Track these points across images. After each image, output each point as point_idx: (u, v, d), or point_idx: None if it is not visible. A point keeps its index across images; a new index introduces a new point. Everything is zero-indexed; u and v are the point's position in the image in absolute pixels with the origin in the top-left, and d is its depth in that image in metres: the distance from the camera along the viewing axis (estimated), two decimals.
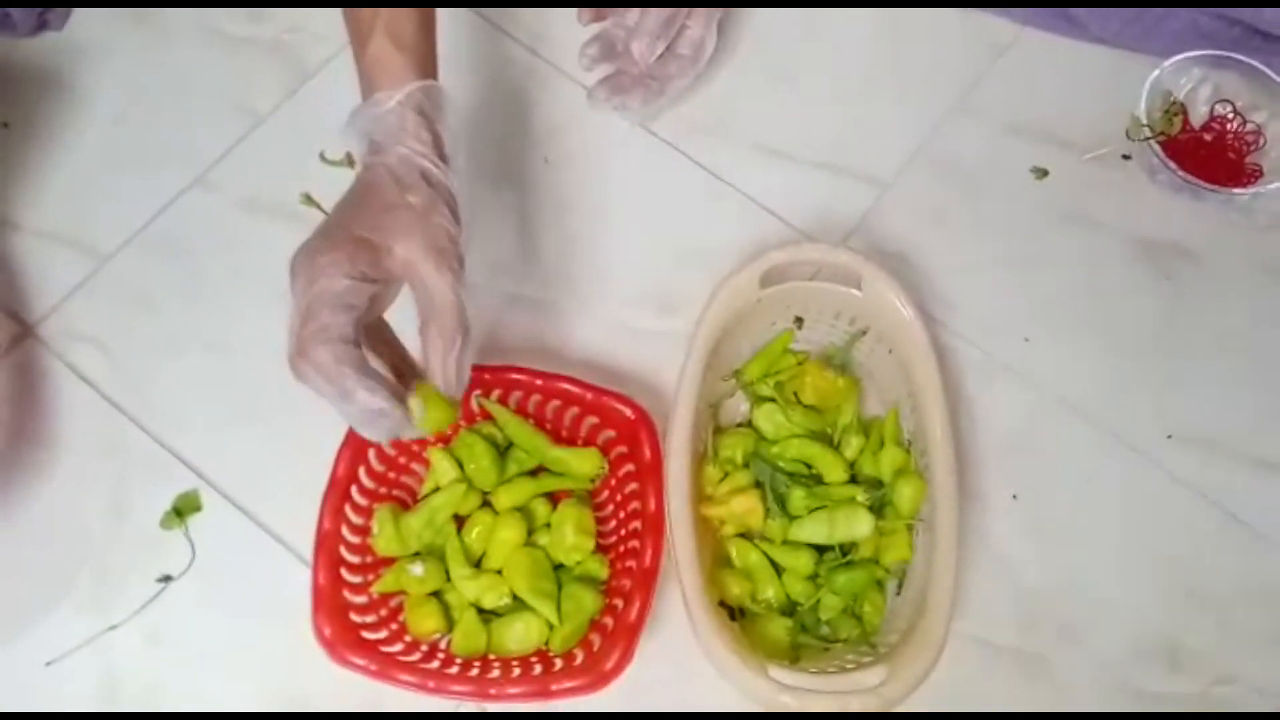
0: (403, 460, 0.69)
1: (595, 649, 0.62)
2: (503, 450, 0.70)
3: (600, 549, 0.67)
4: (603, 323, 0.76)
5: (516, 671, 0.63)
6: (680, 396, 0.66)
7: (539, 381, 0.67)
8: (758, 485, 0.67)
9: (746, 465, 0.68)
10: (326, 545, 0.64)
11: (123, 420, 0.72)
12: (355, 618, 0.63)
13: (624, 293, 0.77)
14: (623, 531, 0.67)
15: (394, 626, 0.65)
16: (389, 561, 0.67)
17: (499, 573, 0.67)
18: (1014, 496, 0.71)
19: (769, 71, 0.84)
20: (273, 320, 0.72)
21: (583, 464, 0.68)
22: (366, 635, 0.63)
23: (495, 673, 0.62)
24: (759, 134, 0.82)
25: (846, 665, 0.61)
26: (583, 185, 0.80)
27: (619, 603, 0.62)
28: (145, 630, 0.68)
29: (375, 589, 0.65)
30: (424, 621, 0.65)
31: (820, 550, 0.67)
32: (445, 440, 0.70)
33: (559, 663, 0.63)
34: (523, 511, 0.68)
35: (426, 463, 0.70)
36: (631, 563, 0.63)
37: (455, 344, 0.54)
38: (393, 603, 0.66)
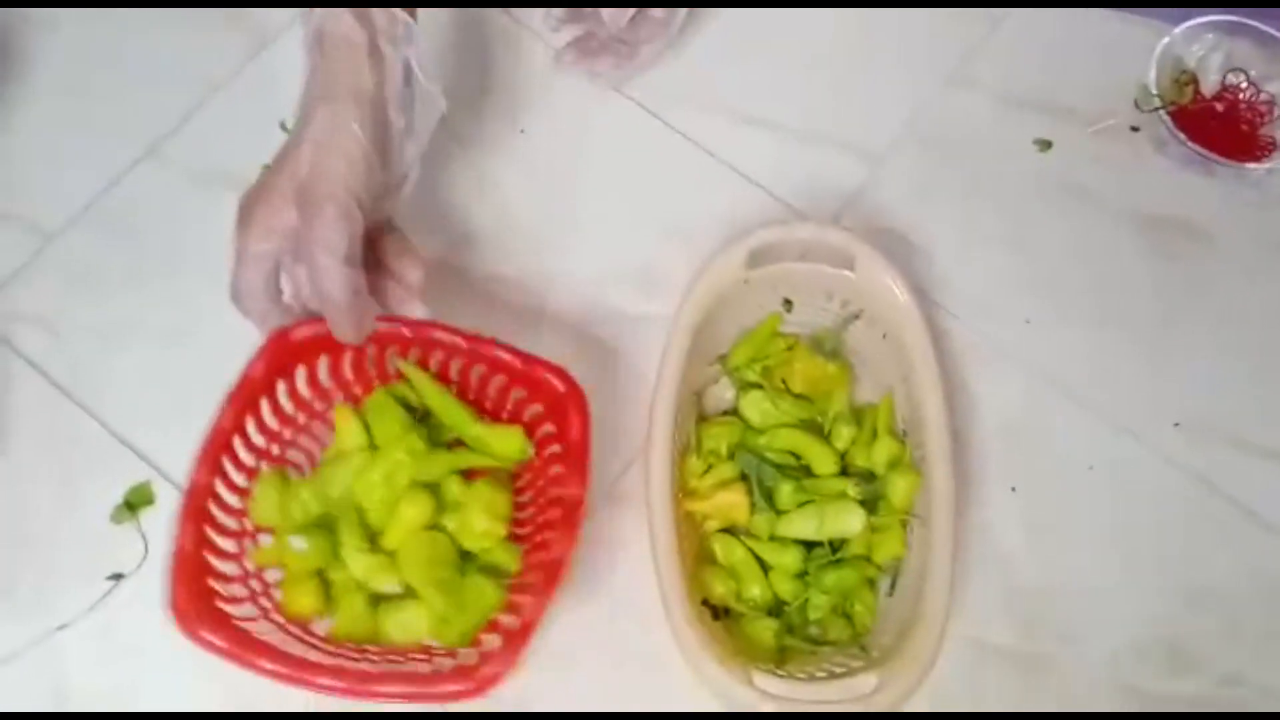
0: (302, 419, 0.64)
1: (485, 649, 0.56)
2: (419, 417, 0.64)
3: (514, 538, 0.62)
4: (578, 299, 0.72)
5: (393, 665, 0.57)
6: (661, 383, 0.62)
7: (464, 343, 0.61)
8: (743, 478, 0.64)
9: (732, 457, 0.65)
10: (196, 503, 0.57)
11: (70, 407, 0.68)
12: (218, 588, 0.57)
13: (601, 269, 0.72)
14: (540, 519, 0.61)
15: (265, 604, 0.60)
16: (269, 532, 0.61)
17: (393, 554, 0.61)
18: (1012, 489, 0.68)
19: (750, 36, 0.80)
20: (227, 302, 0.68)
21: (504, 445, 0.62)
22: (227, 609, 0.57)
23: (369, 664, 0.57)
24: (741, 102, 0.78)
25: (836, 670, 0.58)
26: (558, 154, 0.76)
27: (524, 600, 0.57)
28: (96, 631, 0.64)
29: (251, 561, 0.60)
30: (299, 599, 0.60)
31: (809, 546, 0.63)
32: (355, 400, 0.64)
33: (445, 661, 0.57)
34: (431, 489, 0.61)
35: (330, 424, 0.64)
36: (544, 555, 0.58)
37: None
38: (269, 576, 0.61)
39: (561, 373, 0.60)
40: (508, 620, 0.57)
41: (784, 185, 0.75)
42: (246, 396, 0.60)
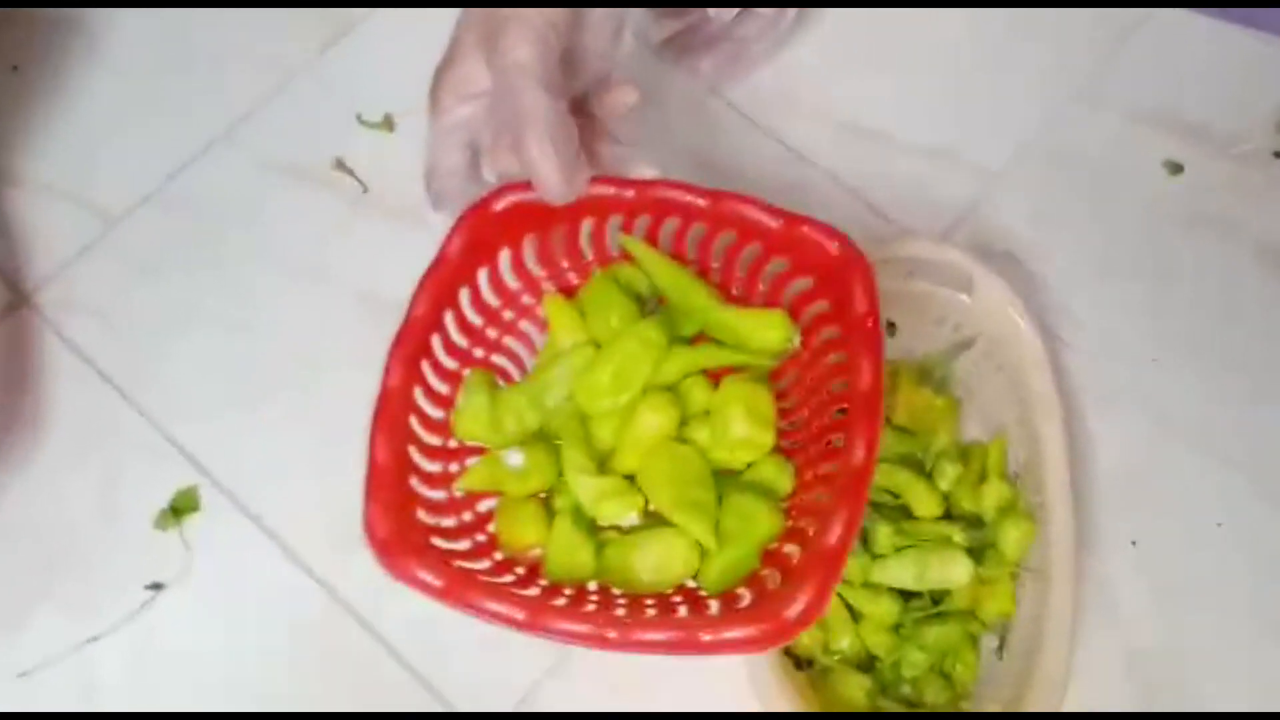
0: (508, 315, 0.55)
1: (771, 587, 0.47)
2: (648, 305, 0.54)
3: (781, 451, 0.52)
4: None
5: (651, 611, 0.47)
6: None
7: (704, 202, 0.51)
8: None
9: None
10: (390, 410, 0.48)
11: (118, 401, 0.64)
12: (426, 518, 0.49)
13: None
14: (816, 424, 0.51)
15: (480, 538, 0.51)
16: (478, 452, 0.53)
17: (631, 479, 0.51)
18: (1132, 543, 0.61)
19: (861, 40, 0.74)
20: (295, 297, 0.66)
21: (764, 331, 0.52)
22: (439, 543, 0.48)
23: (620, 609, 0.47)
24: (845, 110, 0.72)
25: None
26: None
27: (808, 524, 0.47)
28: (131, 643, 0.59)
29: (459, 485, 0.52)
30: (522, 530, 0.50)
31: (906, 596, 0.57)
32: (568, 291, 0.55)
33: (714, 605, 0.47)
34: (673, 392, 0.52)
35: (541, 324, 0.56)
36: (829, 466, 0.48)
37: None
38: (481, 507, 0.52)
39: (836, 234, 0.50)
40: (790, 550, 0.48)
41: (888, 199, 0.69)
42: (443, 283, 0.51)
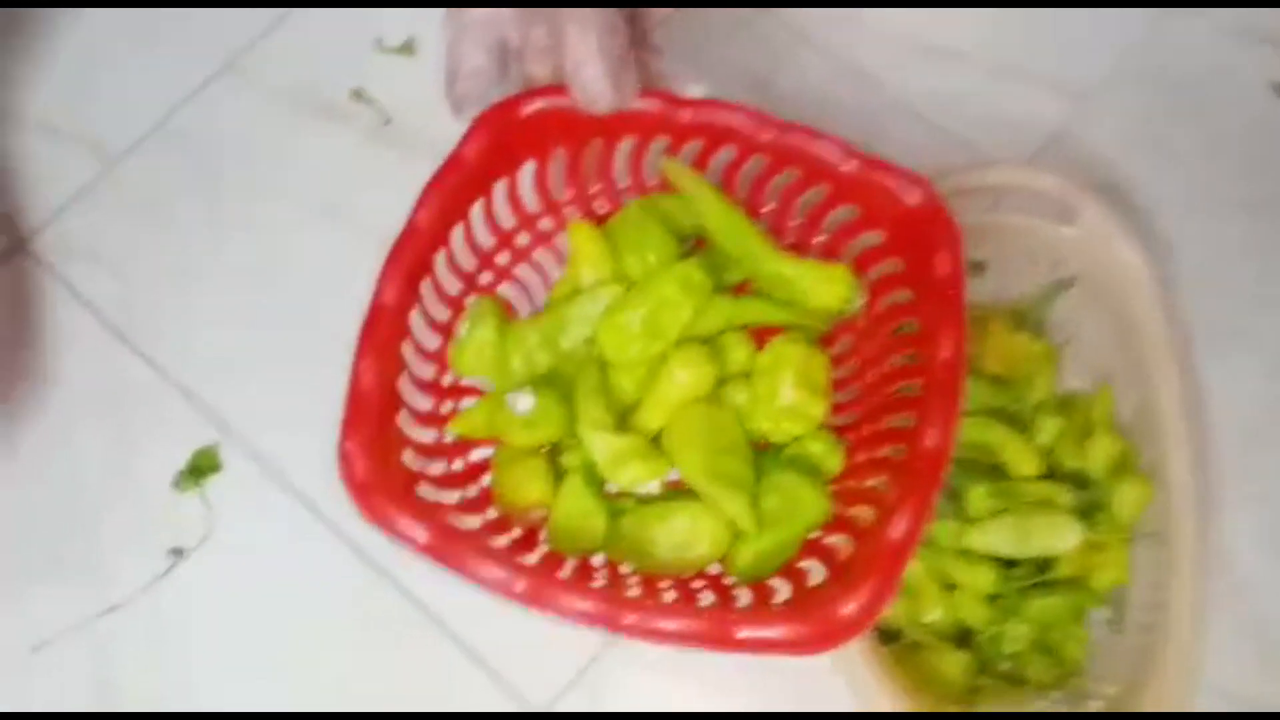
0: (524, 239, 0.49)
1: (813, 583, 0.42)
2: (687, 245, 0.48)
3: (830, 428, 0.46)
4: None
5: (669, 595, 0.42)
6: None
7: (768, 134, 0.45)
8: None
9: None
10: (380, 330, 0.43)
11: (129, 355, 0.59)
12: (412, 461, 0.44)
13: None
14: (873, 401, 0.46)
15: (471, 492, 0.45)
16: (477, 393, 0.47)
17: (656, 440, 0.46)
18: (1255, 502, 0.55)
19: None
20: (313, 238, 0.60)
21: (822, 287, 0.46)
22: (426, 492, 0.43)
23: (633, 590, 0.42)
24: (918, 28, 0.65)
25: None
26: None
27: (859, 513, 0.42)
28: (152, 614, 0.55)
29: (453, 428, 0.46)
30: (523, 487, 0.44)
31: (1005, 565, 0.51)
32: (595, 219, 0.49)
33: (744, 596, 0.42)
34: (710, 346, 0.46)
35: (560, 256, 0.49)
36: (888, 449, 0.43)
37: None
38: (474, 456, 0.47)
39: (919, 181, 0.43)
40: (836, 541, 0.42)
41: (968, 124, 0.63)
42: (454, 191, 0.45)
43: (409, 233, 0.44)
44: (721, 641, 0.39)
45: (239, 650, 0.54)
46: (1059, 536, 0.50)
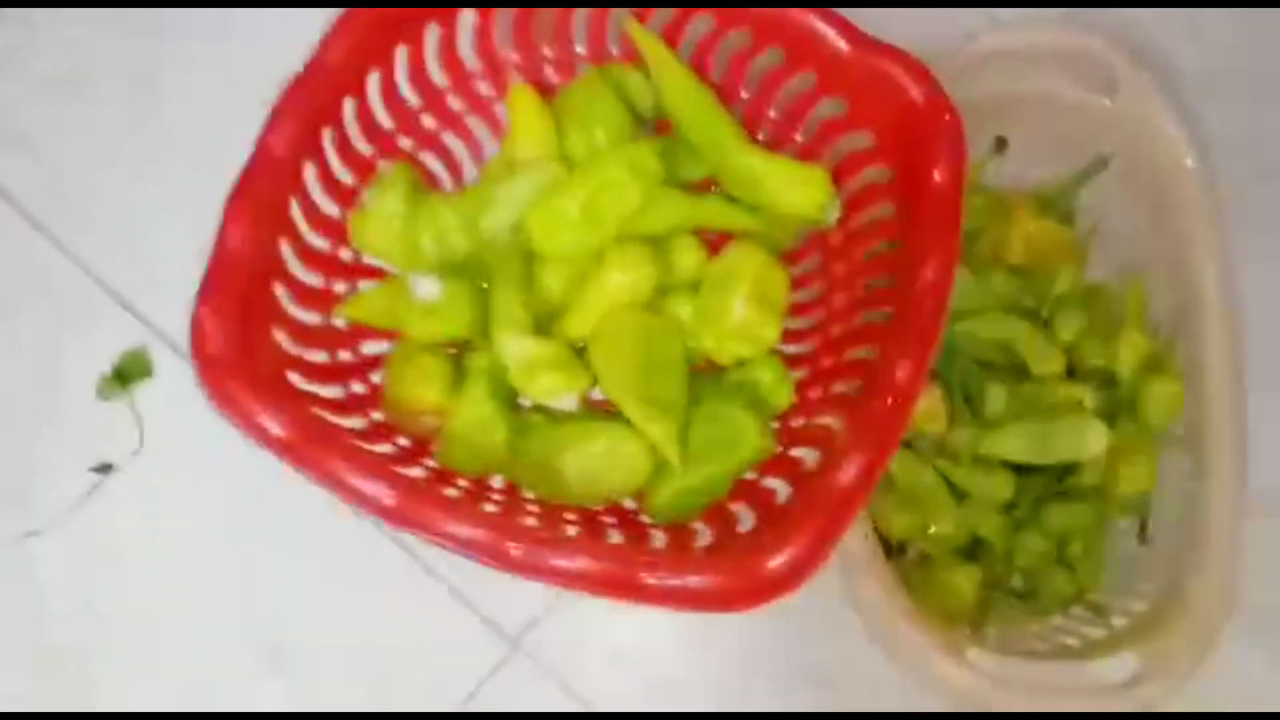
0: (457, 103, 0.43)
1: (742, 530, 0.37)
2: (645, 127, 0.43)
3: (781, 356, 0.41)
4: None
5: (572, 530, 0.38)
6: None
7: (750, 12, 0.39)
8: (937, 376, 0.47)
9: None
10: (263, 179, 0.37)
11: (48, 248, 0.52)
12: (287, 344, 0.38)
13: None
14: (836, 330, 0.41)
15: (356, 388, 0.40)
16: (377, 274, 0.41)
17: (581, 350, 0.41)
18: None
19: None
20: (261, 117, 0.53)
21: (794, 191, 0.41)
22: (297, 381, 0.37)
23: (530, 520, 0.38)
24: None
25: (1069, 642, 0.42)
26: None
27: (807, 454, 0.37)
28: (76, 536, 0.49)
29: (342, 311, 0.40)
30: (417, 387, 0.39)
31: (1022, 472, 0.46)
32: (543, 90, 0.43)
33: (659, 536, 0.38)
34: (656, 248, 0.41)
35: (498, 127, 0.44)
36: (846, 385, 0.38)
37: None
38: (366, 348, 0.41)
39: (923, 75, 0.38)
40: (773, 485, 0.38)
41: None
42: (372, 27, 0.39)
43: (313, 68, 0.38)
44: (625, 588, 0.34)
45: (176, 573, 0.49)
46: (1083, 441, 0.46)
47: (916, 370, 0.35)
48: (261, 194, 0.37)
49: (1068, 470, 0.47)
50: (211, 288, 0.35)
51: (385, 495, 0.34)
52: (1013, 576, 0.47)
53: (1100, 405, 0.46)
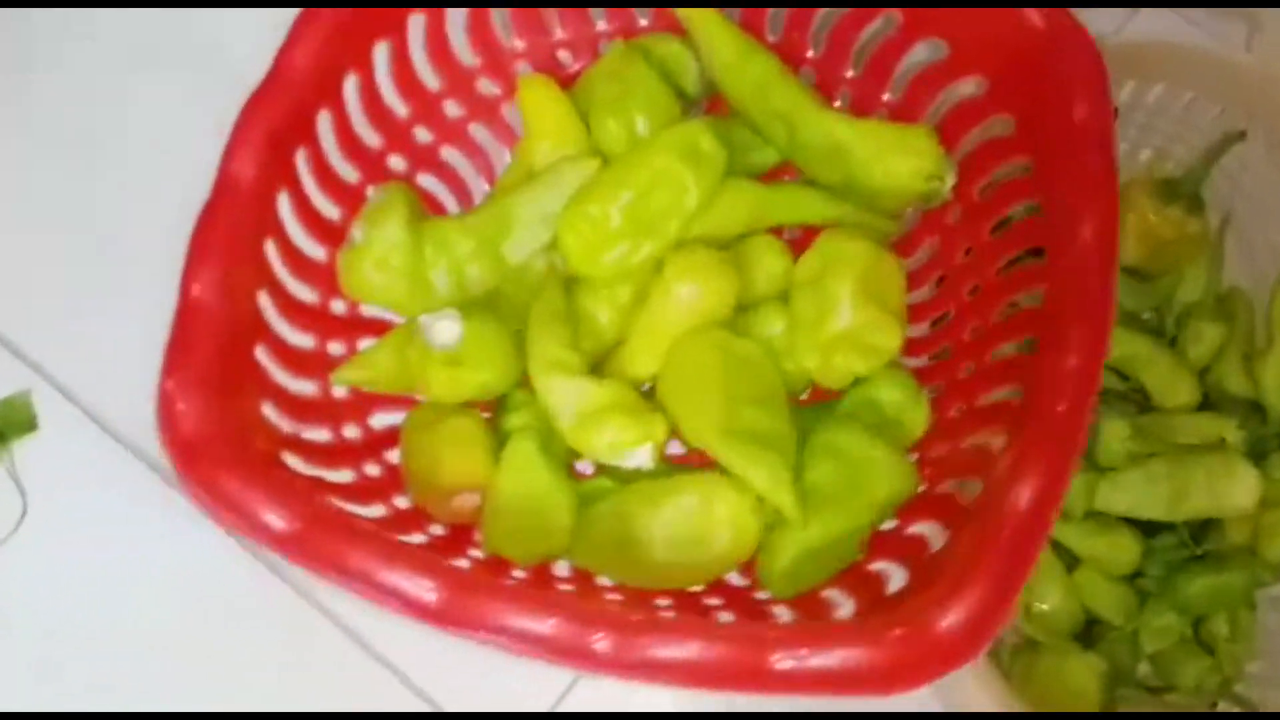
0: (454, 109, 0.37)
1: (887, 588, 0.31)
2: (695, 108, 0.36)
3: (913, 371, 0.35)
4: None
5: (667, 608, 0.31)
6: None
7: None
8: None
9: None
10: (230, 217, 0.30)
11: None
12: (279, 419, 0.31)
13: None
14: (971, 327, 0.34)
15: (371, 470, 0.34)
16: (380, 329, 0.35)
17: (648, 392, 0.34)
18: None
19: None
20: (159, 116, 0.44)
21: (894, 160, 0.34)
22: (297, 464, 0.31)
23: (614, 594, 0.31)
24: None
25: None
26: None
27: (959, 487, 0.31)
28: None
29: (339, 376, 0.33)
30: (446, 460, 0.32)
31: (1151, 531, 0.37)
32: (557, 75, 0.37)
33: (782, 613, 0.31)
34: (729, 252, 0.34)
35: (509, 133, 0.38)
36: (1003, 391, 0.32)
37: None
38: (377, 421, 0.35)
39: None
40: (924, 531, 0.31)
41: None
42: (343, 27, 0.33)
43: (276, 77, 0.32)
44: (753, 676, 0.26)
45: (72, 651, 0.40)
46: (1226, 490, 0.37)
47: (1092, 356, 0.29)
48: (228, 234, 0.30)
49: (1207, 527, 0.38)
50: (178, 354, 0.29)
51: (426, 590, 0.27)
52: (1135, 666, 0.38)
53: (1246, 443, 0.37)
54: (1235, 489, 0.36)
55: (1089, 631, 0.38)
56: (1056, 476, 0.28)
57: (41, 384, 0.41)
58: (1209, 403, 0.39)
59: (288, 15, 0.33)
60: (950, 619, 0.27)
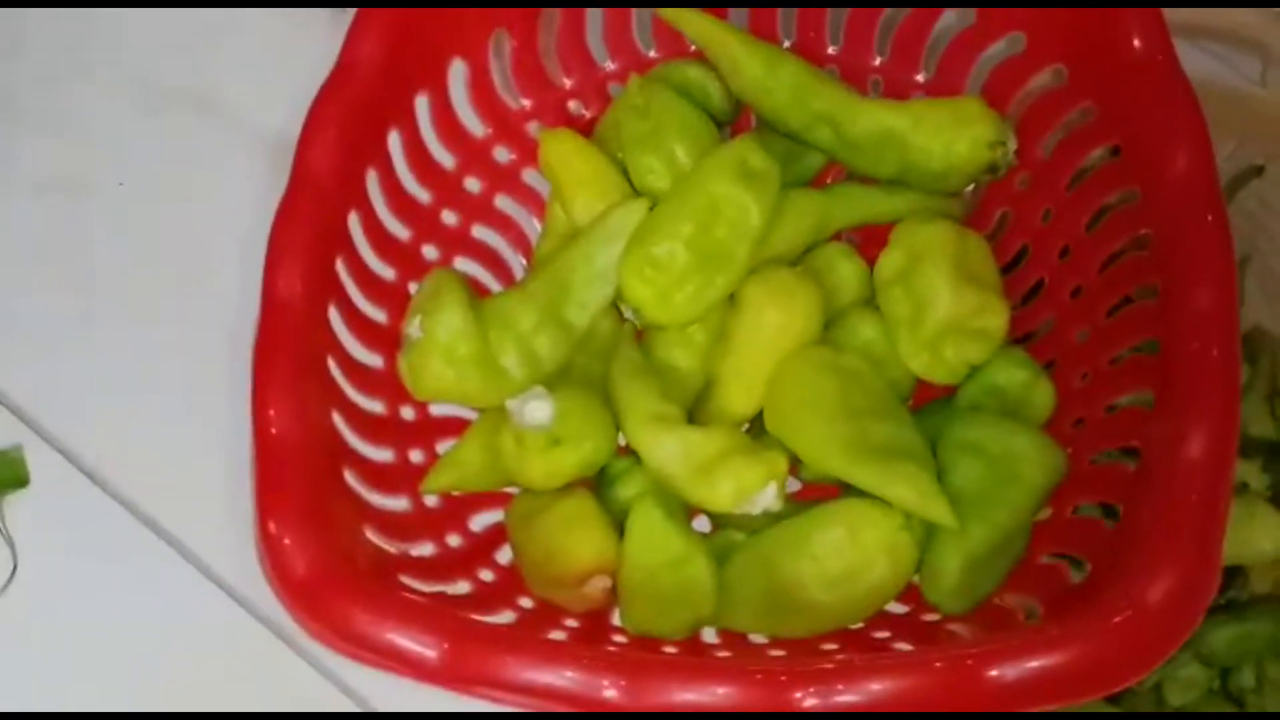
0: (474, 184, 0.37)
1: (1070, 579, 0.30)
2: (725, 128, 0.36)
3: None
4: None
5: (835, 651, 0.30)
6: None
7: None
8: None
9: None
10: (284, 342, 0.30)
11: None
12: (383, 542, 0.30)
13: None
14: (1070, 285, 0.34)
15: (485, 576, 0.33)
16: (456, 428, 0.34)
17: (754, 426, 0.34)
18: None
19: None
20: (147, 143, 0.43)
21: (949, 134, 0.34)
22: (416, 585, 0.30)
23: (776, 650, 0.31)
24: None
25: None
26: None
27: (1109, 460, 0.31)
28: None
29: (430, 485, 0.33)
30: (563, 547, 0.31)
31: None
32: (580, 125, 0.38)
33: (959, 629, 0.30)
34: (801, 267, 0.34)
35: (532, 199, 0.38)
36: (1124, 350, 0.32)
37: None
38: (475, 523, 0.34)
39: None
40: (1088, 512, 0.31)
41: None
42: (355, 115, 0.32)
43: (301, 183, 0.31)
44: (962, 692, 0.25)
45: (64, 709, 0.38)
46: (1251, 536, 0.35)
47: (1225, 290, 0.28)
48: (291, 360, 0.29)
49: (1230, 575, 0.36)
50: (271, 496, 0.27)
51: (605, 685, 0.25)
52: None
53: (1270, 488, 0.37)
54: (1259, 535, 0.35)
55: None
56: (1226, 421, 0.27)
57: (33, 438, 0.40)
58: None
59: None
60: (1162, 591, 0.26)
